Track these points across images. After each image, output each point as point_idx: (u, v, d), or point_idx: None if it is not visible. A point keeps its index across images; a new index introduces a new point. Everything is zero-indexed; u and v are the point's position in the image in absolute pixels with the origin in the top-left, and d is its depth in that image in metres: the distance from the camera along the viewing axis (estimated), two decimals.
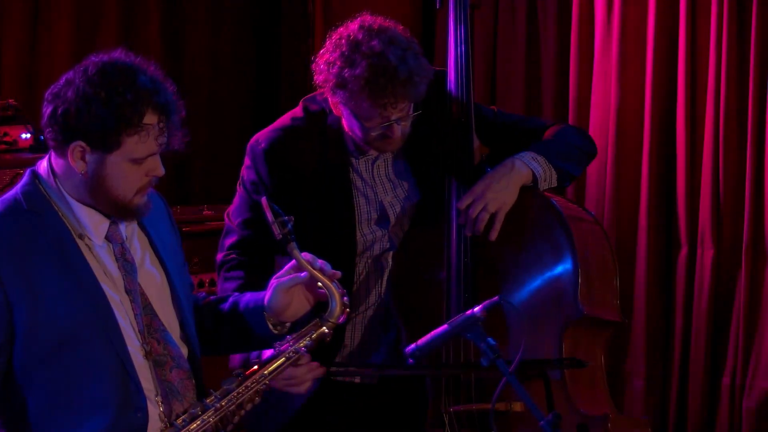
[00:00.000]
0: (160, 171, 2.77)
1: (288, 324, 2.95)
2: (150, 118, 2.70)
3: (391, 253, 3.51)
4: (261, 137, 3.46)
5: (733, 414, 4.54)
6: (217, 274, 3.48)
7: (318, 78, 3.33)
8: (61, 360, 2.70)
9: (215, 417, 2.79)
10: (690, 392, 4.64)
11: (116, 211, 2.78)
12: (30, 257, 2.70)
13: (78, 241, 2.77)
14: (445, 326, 2.94)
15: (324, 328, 2.88)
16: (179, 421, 2.77)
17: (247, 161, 3.48)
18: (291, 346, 2.88)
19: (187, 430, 2.77)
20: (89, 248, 2.78)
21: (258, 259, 3.41)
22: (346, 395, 3.51)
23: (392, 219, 3.50)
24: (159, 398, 2.78)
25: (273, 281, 2.92)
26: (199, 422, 2.78)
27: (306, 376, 3.09)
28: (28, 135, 4.53)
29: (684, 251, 4.64)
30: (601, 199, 4.80)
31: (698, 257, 4.60)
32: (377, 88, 3.23)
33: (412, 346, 2.98)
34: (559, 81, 4.97)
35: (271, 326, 2.93)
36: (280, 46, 5.77)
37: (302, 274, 2.87)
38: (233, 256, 3.45)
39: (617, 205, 4.76)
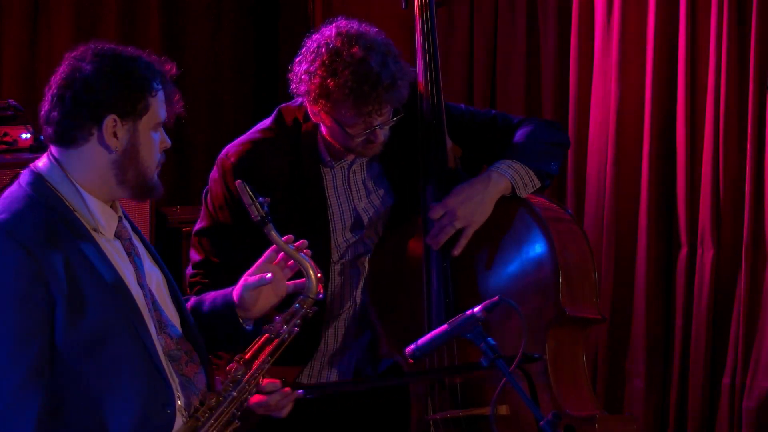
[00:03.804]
0: (167, 141, 2.82)
1: (252, 321, 3.00)
2: (160, 81, 2.78)
3: (366, 257, 3.51)
4: (230, 151, 3.43)
5: (733, 414, 4.54)
6: (188, 290, 3.44)
7: (299, 88, 3.29)
8: (95, 356, 2.69)
9: (232, 406, 2.84)
10: (690, 392, 4.63)
11: (140, 189, 2.79)
12: (63, 251, 2.68)
13: (95, 234, 2.76)
14: (445, 326, 2.94)
15: (305, 305, 2.92)
16: (200, 413, 2.81)
17: (214, 174, 3.45)
18: (283, 327, 2.91)
19: (209, 422, 2.80)
20: (106, 242, 2.78)
21: (221, 281, 3.27)
22: (326, 402, 3.48)
23: (366, 224, 3.49)
24: (178, 393, 2.80)
25: (243, 279, 2.96)
26: (219, 413, 2.81)
27: (283, 402, 3.17)
28: (28, 135, 4.54)
29: (684, 251, 4.64)
30: (601, 199, 4.80)
31: (698, 257, 4.59)
32: (362, 95, 3.21)
33: (412, 346, 2.98)
34: (559, 81, 4.96)
35: (241, 321, 2.97)
36: (280, 46, 5.77)
37: (268, 276, 2.92)
38: (197, 278, 3.42)
39: (617, 205, 4.76)
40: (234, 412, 2.84)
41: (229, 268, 3.30)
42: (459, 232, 3.40)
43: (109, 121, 2.72)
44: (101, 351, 2.70)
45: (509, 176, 3.41)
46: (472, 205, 3.38)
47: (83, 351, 2.68)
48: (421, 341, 2.97)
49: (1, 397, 2.62)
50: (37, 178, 2.77)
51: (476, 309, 2.88)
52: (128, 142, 2.74)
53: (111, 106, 2.71)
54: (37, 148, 4.51)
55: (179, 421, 2.79)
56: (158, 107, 2.76)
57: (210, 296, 3.03)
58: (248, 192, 2.89)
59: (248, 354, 2.89)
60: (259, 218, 2.88)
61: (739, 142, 4.48)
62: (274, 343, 2.91)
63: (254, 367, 2.88)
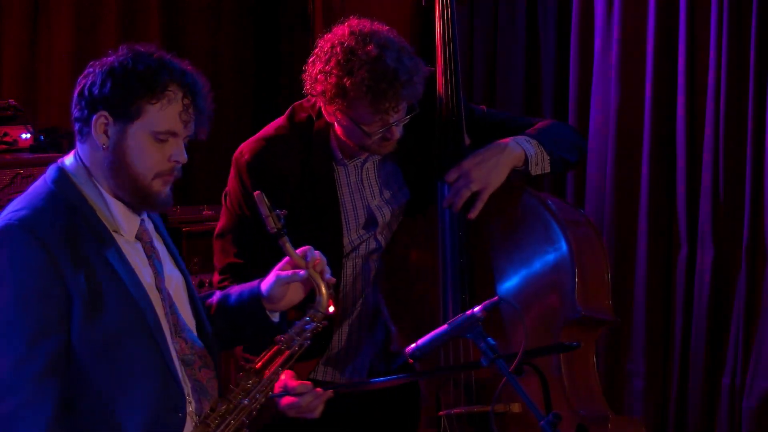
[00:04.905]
0: (183, 157, 2.78)
1: (278, 313, 3.00)
2: (174, 89, 2.73)
3: (377, 254, 3.51)
4: (245, 149, 3.45)
5: (733, 414, 4.54)
6: None
7: (315, 88, 3.30)
8: (110, 355, 2.70)
9: (242, 414, 2.84)
10: (690, 392, 4.64)
11: (136, 195, 2.76)
12: (81, 249, 2.69)
13: (115, 235, 2.77)
14: (445, 326, 2.95)
15: (315, 319, 2.93)
16: (210, 420, 2.81)
17: (232, 173, 3.46)
18: (296, 339, 2.92)
19: (220, 429, 2.81)
20: (126, 243, 2.79)
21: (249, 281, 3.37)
22: (336, 396, 3.49)
23: (380, 222, 3.50)
24: (190, 397, 2.81)
25: (274, 273, 2.96)
26: (229, 420, 2.82)
27: (314, 402, 3.18)
28: (28, 135, 4.53)
29: (684, 251, 4.64)
30: (601, 199, 4.80)
31: (698, 257, 4.60)
32: (379, 93, 3.21)
33: (412, 346, 2.98)
34: (559, 81, 4.97)
35: (269, 314, 2.98)
36: (280, 46, 5.77)
37: (301, 273, 2.92)
38: (225, 283, 3.40)
39: (617, 205, 4.76)
40: (243, 420, 2.85)
41: (253, 266, 3.32)
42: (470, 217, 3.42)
43: (99, 117, 2.72)
44: (116, 352, 2.71)
45: (525, 148, 3.43)
46: (487, 167, 3.40)
47: (98, 350, 2.69)
48: (421, 341, 2.97)
49: (19, 390, 2.64)
50: (62, 176, 2.77)
51: (476, 309, 2.88)
52: (116, 143, 2.73)
53: (104, 103, 2.71)
54: (37, 148, 4.50)
55: (189, 426, 2.79)
56: (159, 116, 2.73)
57: (236, 289, 3.04)
58: (266, 203, 2.89)
59: (258, 364, 2.90)
60: (275, 230, 2.89)
61: (739, 142, 4.48)
62: (285, 354, 2.91)
63: (265, 376, 2.88)
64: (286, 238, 2.89)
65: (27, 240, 2.65)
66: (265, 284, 2.97)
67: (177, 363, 2.79)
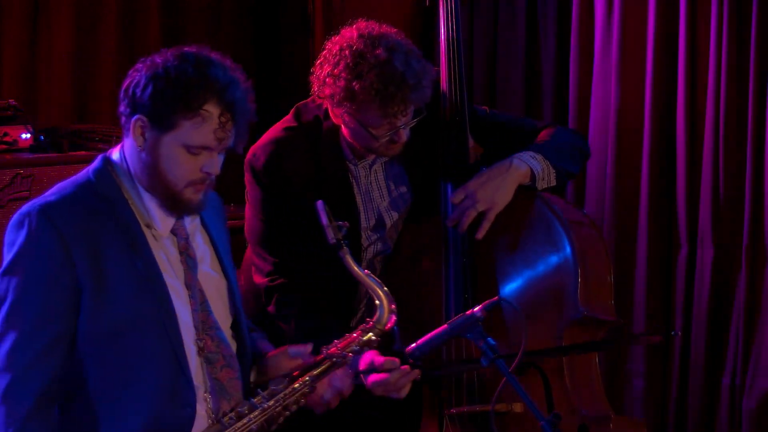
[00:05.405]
0: (215, 169, 2.78)
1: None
2: (211, 108, 2.72)
3: (383, 255, 3.51)
4: (258, 152, 3.44)
5: (733, 414, 4.54)
6: (264, 298, 3.43)
7: (323, 91, 3.30)
8: (117, 346, 2.72)
9: (261, 417, 2.82)
10: (690, 392, 4.64)
11: (167, 199, 2.78)
12: (99, 240, 2.72)
13: (145, 229, 2.79)
14: (445, 326, 2.95)
15: (371, 334, 2.91)
16: (226, 419, 2.80)
17: (248, 177, 3.46)
18: (338, 350, 2.90)
19: (234, 428, 2.79)
20: (155, 239, 2.80)
21: (293, 277, 3.38)
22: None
23: (388, 223, 3.50)
24: (207, 394, 2.81)
25: (284, 347, 2.97)
26: (245, 421, 2.80)
27: (401, 381, 3.14)
28: (28, 135, 4.53)
29: (684, 251, 4.64)
30: (601, 199, 4.80)
31: (698, 257, 4.60)
32: (387, 96, 3.22)
33: (413, 345, 2.98)
34: (559, 81, 4.97)
35: (252, 375, 2.97)
36: (280, 46, 5.77)
37: (309, 349, 2.91)
38: (278, 282, 3.40)
39: (617, 205, 4.76)
40: (263, 423, 2.82)
41: (288, 263, 3.35)
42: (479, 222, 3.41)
43: (137, 120, 2.74)
44: (123, 343, 2.73)
45: (531, 164, 3.42)
46: (492, 187, 3.40)
47: (105, 340, 2.72)
48: (421, 341, 2.97)
49: (8, 372, 2.69)
50: (105, 166, 2.81)
51: (476, 309, 2.89)
52: (151, 148, 2.75)
53: (142, 108, 2.73)
54: (37, 148, 4.50)
55: (204, 423, 2.79)
56: (193, 131, 2.72)
57: (263, 343, 3.05)
58: (327, 213, 2.88)
59: (295, 371, 2.89)
60: (335, 241, 2.88)
61: (739, 142, 4.48)
62: (325, 365, 2.90)
63: (295, 383, 2.87)
64: (346, 250, 2.88)
65: (44, 226, 2.70)
66: (271, 354, 2.99)
67: (194, 359, 2.80)
